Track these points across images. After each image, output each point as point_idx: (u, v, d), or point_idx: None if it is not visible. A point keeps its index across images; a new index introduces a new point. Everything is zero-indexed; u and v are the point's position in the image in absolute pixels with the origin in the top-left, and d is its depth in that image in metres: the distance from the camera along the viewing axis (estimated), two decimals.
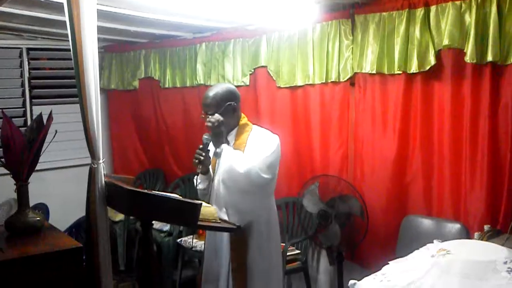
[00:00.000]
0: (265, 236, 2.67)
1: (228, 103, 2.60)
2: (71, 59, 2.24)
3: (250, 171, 2.49)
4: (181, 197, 2.39)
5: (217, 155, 2.57)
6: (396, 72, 3.08)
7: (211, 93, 2.61)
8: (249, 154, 2.56)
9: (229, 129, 2.66)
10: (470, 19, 2.72)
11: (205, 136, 2.61)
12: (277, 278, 2.78)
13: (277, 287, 2.78)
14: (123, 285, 4.37)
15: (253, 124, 2.74)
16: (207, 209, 2.32)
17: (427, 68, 2.94)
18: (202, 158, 2.55)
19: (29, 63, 4.80)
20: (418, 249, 2.60)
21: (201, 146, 2.59)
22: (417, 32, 2.94)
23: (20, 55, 4.75)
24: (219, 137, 2.58)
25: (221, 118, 2.56)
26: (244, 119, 2.71)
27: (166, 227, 4.32)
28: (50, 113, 2.24)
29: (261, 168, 2.51)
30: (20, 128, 2.24)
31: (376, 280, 2.33)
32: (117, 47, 5.06)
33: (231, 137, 2.66)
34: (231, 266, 2.61)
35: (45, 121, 2.24)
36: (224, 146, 2.58)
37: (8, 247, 2.04)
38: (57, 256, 2.00)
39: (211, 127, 2.56)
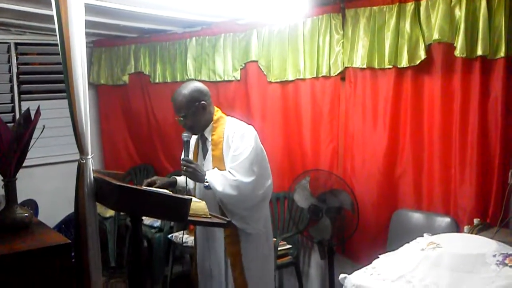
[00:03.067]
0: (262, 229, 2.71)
1: (197, 103, 2.61)
2: (59, 54, 2.21)
3: (239, 187, 2.51)
4: (171, 193, 2.38)
5: (207, 188, 2.56)
6: (387, 66, 3.09)
7: (178, 97, 2.61)
8: (229, 164, 2.57)
9: (204, 125, 2.68)
10: (460, 13, 2.73)
11: (184, 134, 2.64)
12: (269, 269, 2.82)
13: (270, 277, 2.83)
14: (114, 281, 4.35)
15: (227, 115, 2.75)
16: (198, 204, 2.31)
17: (418, 62, 2.95)
18: (190, 170, 2.55)
19: (17, 58, 4.75)
20: (408, 242, 2.61)
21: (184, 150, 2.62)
22: (407, 27, 2.94)
23: (8, 50, 4.70)
24: (197, 176, 2.57)
25: (189, 163, 2.55)
26: (218, 113, 2.71)
27: (157, 222, 4.31)
28: (38, 108, 2.22)
29: (244, 174, 2.52)
30: (8, 124, 2.21)
31: (367, 273, 2.33)
32: (106, 42, 5.02)
33: (207, 133, 2.69)
34: (229, 261, 2.65)
35: (33, 116, 2.21)
36: (208, 176, 2.55)
37: None
38: (46, 252, 1.98)
39: (185, 174, 2.57)
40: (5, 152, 2.08)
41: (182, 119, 2.62)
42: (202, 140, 2.74)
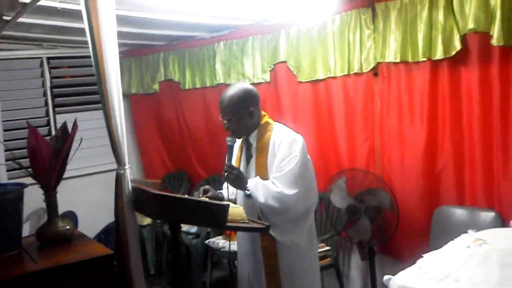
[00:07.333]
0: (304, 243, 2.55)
1: (244, 109, 2.46)
2: (91, 66, 2.23)
3: (281, 199, 2.37)
4: (207, 199, 2.37)
5: (248, 196, 2.45)
6: (421, 59, 3.01)
7: (227, 97, 2.46)
8: (273, 174, 2.44)
9: (249, 130, 2.54)
10: (495, 0, 2.63)
11: (228, 138, 2.51)
12: (313, 281, 2.64)
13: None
14: None
15: (275, 121, 2.61)
16: (235, 210, 2.28)
17: (453, 53, 2.86)
18: (232, 176, 2.45)
19: (50, 72, 4.84)
20: (452, 240, 2.54)
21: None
22: (440, 17, 2.86)
23: (41, 65, 4.80)
24: (239, 183, 2.47)
25: (232, 169, 2.45)
26: (265, 118, 2.56)
27: (194, 229, 4.32)
28: (75, 121, 2.23)
29: (287, 186, 2.37)
30: (45, 138, 2.24)
31: (412, 273, 2.28)
32: (135, 51, 5.07)
33: (252, 139, 2.55)
34: (264, 270, 2.53)
35: (69, 129, 2.23)
36: (250, 185, 2.44)
37: (40, 257, 2.04)
38: (89, 264, 1.98)
39: (226, 180, 2.47)
40: (46, 167, 2.11)
41: (225, 122, 2.50)
42: (246, 145, 2.60)
